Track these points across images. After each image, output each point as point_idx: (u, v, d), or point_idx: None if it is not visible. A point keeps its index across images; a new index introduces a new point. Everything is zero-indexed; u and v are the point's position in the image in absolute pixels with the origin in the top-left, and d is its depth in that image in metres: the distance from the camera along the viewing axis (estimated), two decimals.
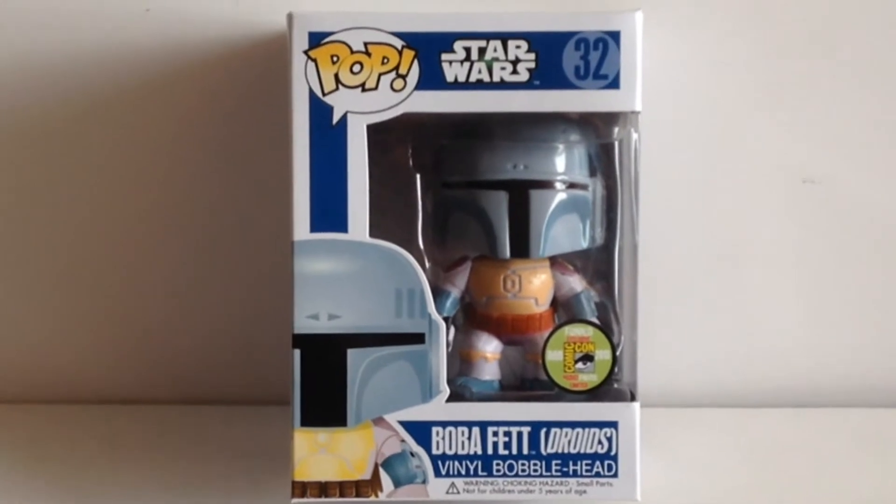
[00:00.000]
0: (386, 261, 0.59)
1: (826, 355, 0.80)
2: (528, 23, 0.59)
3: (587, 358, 0.61)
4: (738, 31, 0.76)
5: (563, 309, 0.65)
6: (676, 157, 0.76)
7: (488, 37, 0.58)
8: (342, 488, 0.60)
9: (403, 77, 0.59)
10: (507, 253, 0.62)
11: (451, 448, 0.60)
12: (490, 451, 0.60)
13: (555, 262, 0.65)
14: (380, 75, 0.59)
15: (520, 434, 0.60)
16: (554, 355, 0.61)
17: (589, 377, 0.61)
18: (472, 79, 0.59)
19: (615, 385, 0.62)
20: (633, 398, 0.61)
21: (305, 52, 0.59)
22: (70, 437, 0.75)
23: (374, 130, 0.59)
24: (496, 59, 0.59)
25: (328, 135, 0.59)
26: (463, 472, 0.60)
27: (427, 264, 0.65)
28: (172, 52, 0.76)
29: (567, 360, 0.61)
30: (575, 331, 0.61)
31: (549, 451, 0.60)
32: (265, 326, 0.78)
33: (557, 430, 0.60)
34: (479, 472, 0.60)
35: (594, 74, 0.59)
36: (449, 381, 0.60)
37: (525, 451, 0.60)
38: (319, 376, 0.59)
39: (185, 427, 0.76)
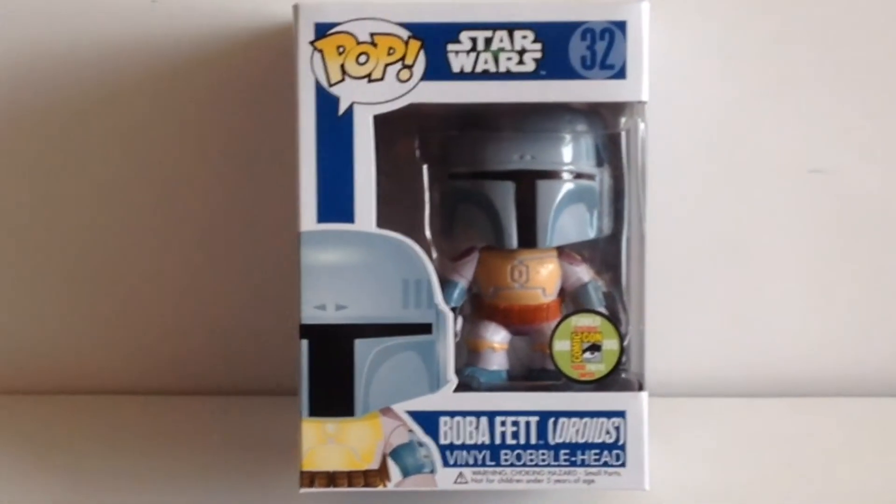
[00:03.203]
0: (393, 251, 0.60)
1: (834, 345, 0.80)
2: (535, 13, 0.58)
3: (595, 348, 0.61)
4: (745, 21, 0.76)
5: (571, 299, 0.65)
6: (683, 147, 0.76)
7: (494, 27, 0.58)
8: (350, 478, 0.60)
9: (409, 68, 0.59)
10: (515, 243, 0.62)
11: (458, 438, 0.60)
12: (498, 441, 0.60)
13: (562, 252, 0.65)
14: (386, 66, 0.59)
15: (527, 424, 0.60)
16: (561, 345, 0.61)
17: (596, 367, 0.61)
18: (479, 69, 0.58)
19: (623, 375, 0.62)
20: (640, 388, 0.61)
21: (311, 43, 0.59)
22: (77, 428, 0.75)
23: (380, 121, 0.59)
24: (502, 50, 0.58)
25: (335, 126, 0.59)
26: (471, 462, 0.60)
27: (434, 255, 0.65)
28: (179, 44, 0.76)
29: (574, 350, 0.61)
30: (582, 321, 0.61)
31: (557, 440, 0.60)
32: (273, 317, 0.78)
33: (565, 419, 0.60)
34: (487, 462, 0.60)
35: (601, 64, 0.59)
36: (456, 372, 0.60)
37: (533, 441, 0.60)
38: (327, 367, 0.59)
39: (193, 418, 0.76)
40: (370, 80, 0.59)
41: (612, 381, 0.61)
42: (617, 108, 0.64)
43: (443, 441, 0.60)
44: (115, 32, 0.76)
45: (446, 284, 0.63)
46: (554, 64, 0.58)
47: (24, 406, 0.79)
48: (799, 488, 0.66)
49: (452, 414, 0.60)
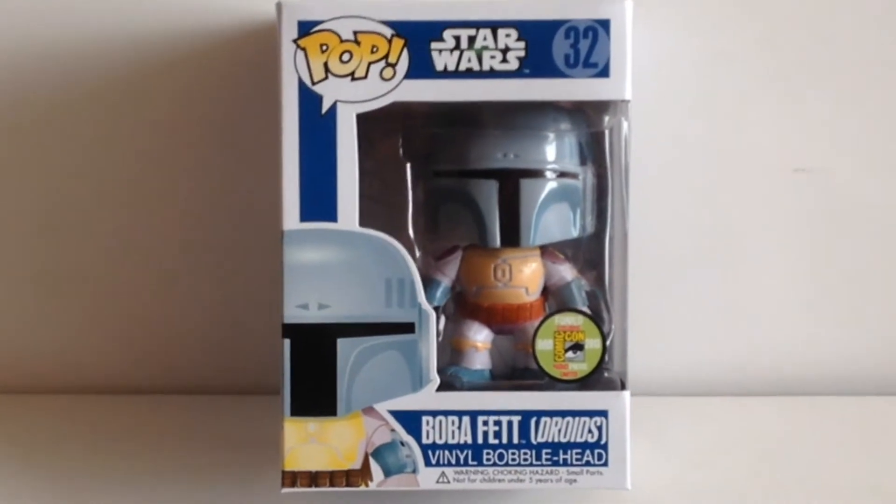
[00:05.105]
0: (376, 250, 0.59)
1: (817, 343, 0.80)
2: (518, 11, 0.58)
3: (577, 347, 0.61)
4: (729, 20, 0.76)
5: (554, 298, 0.65)
6: (667, 146, 0.76)
7: (478, 25, 0.58)
8: (332, 478, 0.60)
9: (393, 66, 0.58)
10: (498, 242, 0.62)
11: (441, 437, 0.60)
12: (480, 441, 0.60)
13: (545, 251, 0.65)
14: (369, 64, 0.58)
15: (510, 423, 0.60)
16: (544, 344, 0.61)
17: (579, 366, 0.61)
18: (462, 67, 0.58)
19: (605, 374, 0.62)
20: (623, 387, 0.61)
21: (294, 42, 0.58)
22: (57, 427, 0.75)
23: (363, 120, 0.59)
24: (486, 48, 0.58)
25: (318, 124, 0.59)
26: (453, 462, 0.60)
27: (417, 254, 0.65)
28: (160, 42, 0.76)
29: (557, 349, 0.61)
30: (565, 320, 0.61)
31: (540, 440, 0.60)
32: (255, 316, 0.78)
33: (548, 419, 0.60)
34: (470, 462, 0.60)
35: (584, 63, 0.58)
36: (439, 371, 0.60)
37: (515, 440, 0.60)
38: (309, 366, 0.59)
39: (174, 417, 0.76)
40: (353, 79, 0.59)
41: (594, 380, 0.61)
42: (600, 107, 0.64)
43: (425, 440, 0.60)
44: (97, 29, 0.76)
45: (429, 283, 0.63)
46: (537, 62, 0.58)
47: (8, 405, 0.79)
48: (783, 488, 0.66)
49: (435, 413, 0.60)
